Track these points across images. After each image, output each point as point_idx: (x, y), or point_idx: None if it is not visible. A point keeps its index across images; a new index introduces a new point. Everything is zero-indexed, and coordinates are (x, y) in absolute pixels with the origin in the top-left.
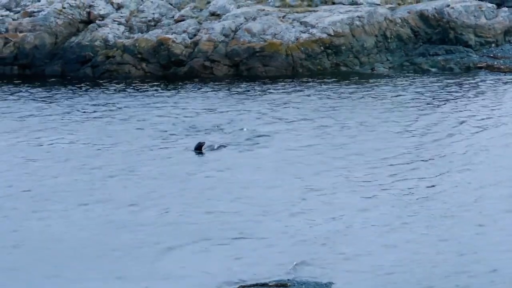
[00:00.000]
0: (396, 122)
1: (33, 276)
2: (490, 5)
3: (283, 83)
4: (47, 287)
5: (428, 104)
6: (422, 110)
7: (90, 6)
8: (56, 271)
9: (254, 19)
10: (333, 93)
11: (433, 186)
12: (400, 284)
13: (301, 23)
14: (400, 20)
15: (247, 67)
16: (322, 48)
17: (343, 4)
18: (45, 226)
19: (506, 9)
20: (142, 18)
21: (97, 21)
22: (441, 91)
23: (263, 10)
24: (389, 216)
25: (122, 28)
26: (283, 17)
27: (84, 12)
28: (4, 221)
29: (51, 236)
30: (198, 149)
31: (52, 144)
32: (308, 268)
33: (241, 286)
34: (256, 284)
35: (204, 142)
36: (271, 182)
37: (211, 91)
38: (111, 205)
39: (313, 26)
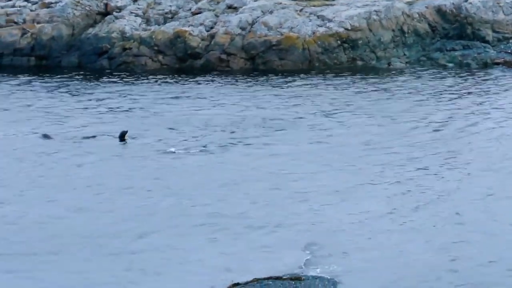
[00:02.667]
0: (412, 117)
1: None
2: (508, 0)
3: (299, 77)
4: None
5: (444, 99)
6: (438, 105)
7: None
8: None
9: (271, 12)
10: (350, 87)
11: (449, 181)
12: (414, 278)
13: (318, 16)
14: (417, 15)
15: (263, 61)
16: (338, 42)
17: None
18: (95, 218)
19: None
20: (159, 10)
21: (114, 13)
22: (458, 86)
23: (280, 3)
24: (407, 211)
25: (139, 20)
26: (300, 10)
27: (102, 4)
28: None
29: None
30: (122, 137)
31: (68, 134)
32: (323, 262)
33: (255, 278)
34: (270, 277)
35: (127, 131)
36: (288, 175)
37: (227, 84)
38: (136, 195)
39: (330, 20)
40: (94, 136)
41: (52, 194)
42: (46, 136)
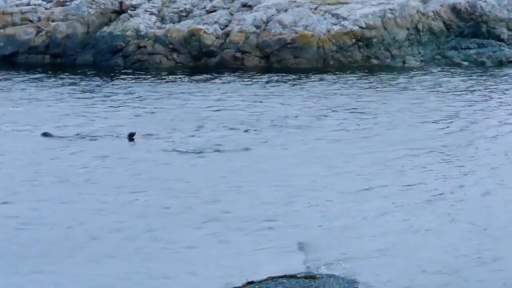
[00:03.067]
0: (427, 115)
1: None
2: None
3: (314, 75)
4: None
5: (459, 97)
6: (453, 103)
7: None
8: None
9: (286, 10)
10: (364, 86)
11: (461, 178)
12: (429, 276)
13: (332, 15)
14: (432, 13)
15: (278, 59)
16: (353, 40)
17: None
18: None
19: None
20: (174, 8)
21: (129, 11)
22: (473, 85)
23: (295, 1)
24: (420, 209)
25: (154, 18)
26: (315, 9)
27: (116, 2)
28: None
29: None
30: (130, 137)
31: (83, 131)
32: (337, 260)
33: (270, 277)
34: (285, 276)
35: (134, 132)
36: (301, 174)
37: (242, 82)
38: (145, 195)
39: (344, 18)
40: (106, 135)
41: (59, 193)
42: (46, 135)
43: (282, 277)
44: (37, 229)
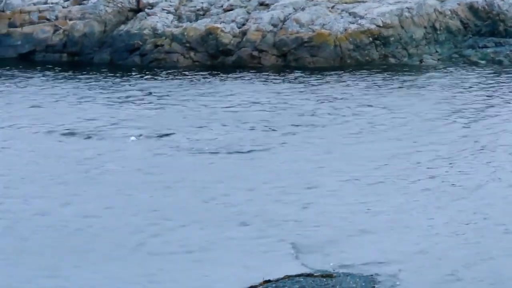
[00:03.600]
0: (444, 113)
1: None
2: None
3: (331, 74)
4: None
5: (477, 96)
6: (470, 102)
7: None
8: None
9: (303, 9)
10: (381, 84)
11: (478, 176)
12: (449, 276)
13: (349, 13)
14: (449, 12)
15: (295, 58)
16: (370, 39)
17: None
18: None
19: None
20: (191, 7)
21: (146, 10)
22: (490, 84)
23: (312, 0)
24: (438, 207)
25: (171, 16)
26: (332, 7)
27: (134, 1)
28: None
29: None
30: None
31: (98, 129)
32: (354, 258)
33: (287, 275)
34: (302, 274)
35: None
36: (319, 172)
37: (259, 81)
38: (162, 193)
39: (362, 17)
40: (125, 134)
41: (76, 191)
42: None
43: (299, 275)
44: (40, 227)
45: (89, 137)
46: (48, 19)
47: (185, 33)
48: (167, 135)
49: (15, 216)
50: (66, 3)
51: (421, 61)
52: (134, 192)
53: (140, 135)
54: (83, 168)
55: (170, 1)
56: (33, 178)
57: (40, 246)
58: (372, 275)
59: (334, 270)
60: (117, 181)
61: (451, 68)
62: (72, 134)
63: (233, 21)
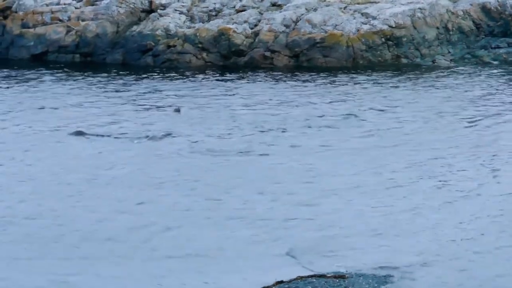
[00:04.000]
0: (457, 114)
1: None
2: None
3: (343, 75)
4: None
5: (489, 97)
6: (483, 103)
7: None
8: None
9: (315, 10)
10: (394, 85)
11: (489, 178)
12: (460, 278)
13: (362, 14)
14: (462, 13)
15: (307, 58)
16: (383, 39)
17: None
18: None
19: None
20: (204, 7)
21: (158, 10)
22: (503, 84)
23: (324, 1)
24: (454, 209)
25: (183, 17)
26: (344, 8)
27: (146, 1)
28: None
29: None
30: (177, 111)
31: (111, 130)
32: (366, 259)
33: (299, 276)
34: (314, 275)
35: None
36: (332, 173)
37: (271, 81)
38: (172, 194)
39: (374, 18)
40: (134, 133)
41: (89, 191)
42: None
43: (311, 276)
44: (53, 227)
45: (100, 138)
46: (60, 20)
47: (198, 34)
48: (178, 136)
49: (26, 220)
50: (78, 4)
51: (433, 61)
52: (144, 192)
53: (147, 136)
54: (92, 168)
55: (183, 2)
56: (42, 178)
57: (49, 247)
58: (385, 276)
59: (346, 271)
60: (127, 182)
61: (463, 69)
62: (83, 134)
63: (245, 21)
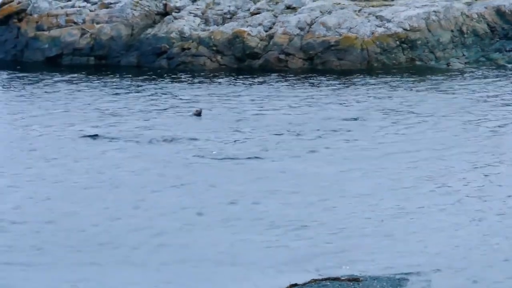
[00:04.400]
0: (470, 117)
1: None
2: None
3: (358, 77)
4: None
5: (504, 100)
6: (497, 106)
7: None
8: None
9: (330, 12)
10: (408, 88)
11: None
12: (474, 281)
13: (376, 17)
14: (476, 15)
15: (321, 61)
16: (397, 42)
17: None
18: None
19: None
20: (218, 10)
21: (173, 13)
22: None
23: (339, 3)
24: (469, 213)
25: (198, 20)
26: (359, 11)
27: (161, 4)
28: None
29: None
30: (198, 114)
31: (125, 132)
32: (381, 262)
33: (313, 279)
34: (328, 278)
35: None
36: (347, 176)
37: (286, 84)
38: (186, 197)
39: (388, 21)
40: (147, 136)
41: (103, 194)
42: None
43: (326, 279)
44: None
45: (114, 141)
46: (75, 23)
47: (212, 37)
48: (193, 139)
49: (37, 219)
50: (93, 7)
51: (448, 64)
52: (157, 196)
53: (165, 139)
54: (106, 171)
55: (197, 5)
56: (57, 180)
57: (61, 249)
58: (399, 279)
59: (361, 274)
60: (141, 184)
61: (478, 72)
62: (97, 137)
63: (260, 24)
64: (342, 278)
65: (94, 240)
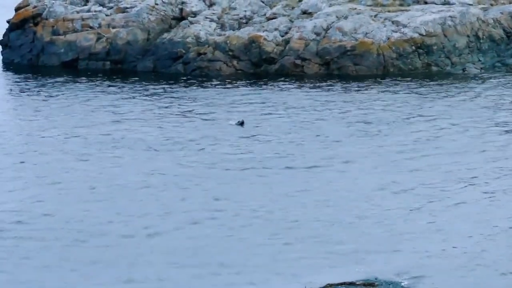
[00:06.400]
0: (487, 122)
1: None
2: None
3: (374, 83)
4: None
5: None
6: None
7: (183, 3)
8: None
9: (346, 17)
10: (425, 93)
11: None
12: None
13: (392, 22)
14: (492, 21)
15: (338, 66)
16: (413, 47)
17: (436, 4)
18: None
19: None
20: (234, 15)
21: (189, 18)
22: None
23: (355, 8)
24: (484, 215)
25: (214, 25)
26: (375, 16)
27: (177, 9)
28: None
29: None
30: (241, 124)
31: (140, 137)
32: (396, 267)
33: (329, 284)
34: (344, 283)
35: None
36: (364, 181)
37: (302, 89)
38: (202, 202)
39: (404, 26)
40: (163, 141)
41: (111, 198)
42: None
43: (341, 284)
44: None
45: (131, 146)
46: (91, 27)
47: (228, 42)
48: (212, 144)
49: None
50: (109, 11)
51: (464, 69)
52: (176, 200)
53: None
54: (121, 175)
55: (213, 10)
56: (71, 185)
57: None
58: (414, 283)
59: (376, 278)
60: (158, 188)
61: (494, 77)
62: (112, 141)
63: (276, 29)
64: (358, 283)
65: (105, 241)
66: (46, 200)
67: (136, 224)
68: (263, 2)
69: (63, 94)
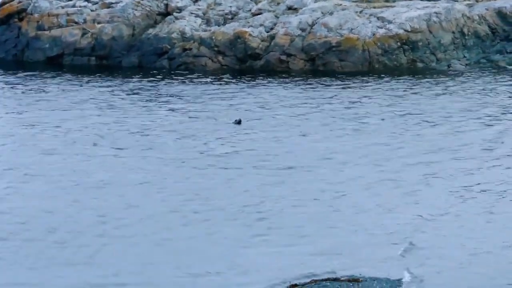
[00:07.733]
0: (471, 118)
1: None
2: None
3: (359, 79)
4: None
5: (505, 101)
6: (498, 107)
7: None
8: None
9: (331, 13)
10: (410, 89)
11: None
12: (474, 283)
13: (378, 18)
14: (477, 17)
15: (323, 62)
16: (398, 43)
17: (421, 0)
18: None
19: None
20: (219, 11)
21: (174, 13)
22: None
23: (340, 4)
24: (474, 211)
25: (199, 20)
26: (360, 12)
27: (162, 4)
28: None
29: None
30: (238, 122)
31: (125, 134)
32: (380, 263)
33: (313, 280)
34: (328, 279)
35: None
36: (353, 178)
37: (287, 85)
38: (194, 199)
39: (390, 22)
40: (151, 137)
41: (105, 196)
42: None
43: (325, 280)
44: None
45: (116, 141)
46: (76, 22)
47: (214, 37)
48: (194, 140)
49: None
50: (94, 7)
51: (449, 66)
52: (171, 198)
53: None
54: (113, 173)
55: (199, 5)
56: (61, 183)
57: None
58: (398, 280)
59: (360, 275)
60: (155, 187)
61: (479, 73)
62: (101, 138)
63: (261, 25)
64: (342, 279)
65: (103, 242)
66: (11, 194)
67: (112, 222)
68: None
69: (46, 90)
